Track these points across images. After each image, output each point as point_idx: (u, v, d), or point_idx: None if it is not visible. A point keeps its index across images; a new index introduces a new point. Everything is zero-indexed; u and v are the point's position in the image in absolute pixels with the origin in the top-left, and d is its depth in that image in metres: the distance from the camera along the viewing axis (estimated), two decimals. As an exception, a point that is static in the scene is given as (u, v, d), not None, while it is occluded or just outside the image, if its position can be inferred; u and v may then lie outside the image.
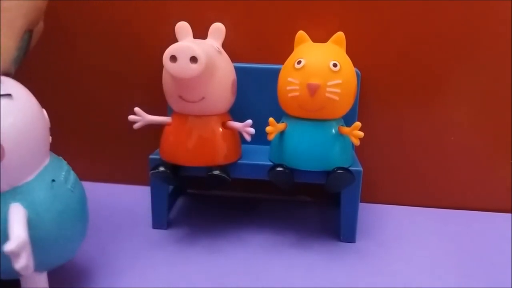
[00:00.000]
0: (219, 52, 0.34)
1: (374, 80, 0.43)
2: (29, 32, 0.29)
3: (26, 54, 0.29)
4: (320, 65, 0.33)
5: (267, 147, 0.38)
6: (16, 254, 0.22)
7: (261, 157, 0.38)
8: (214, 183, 0.35)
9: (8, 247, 0.21)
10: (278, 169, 0.34)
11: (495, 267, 0.34)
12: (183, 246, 0.36)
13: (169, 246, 0.36)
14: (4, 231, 0.23)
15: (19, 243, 0.22)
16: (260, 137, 0.35)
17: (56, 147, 0.49)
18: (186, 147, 0.35)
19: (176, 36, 0.35)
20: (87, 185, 0.30)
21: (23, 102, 0.25)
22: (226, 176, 0.34)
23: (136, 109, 0.35)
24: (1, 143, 0.23)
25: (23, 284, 0.26)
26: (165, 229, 0.39)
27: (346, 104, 0.35)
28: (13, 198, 0.24)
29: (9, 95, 0.24)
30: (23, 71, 0.47)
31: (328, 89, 0.33)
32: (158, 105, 0.41)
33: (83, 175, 0.29)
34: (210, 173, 0.34)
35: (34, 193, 0.25)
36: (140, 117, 0.35)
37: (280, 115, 0.36)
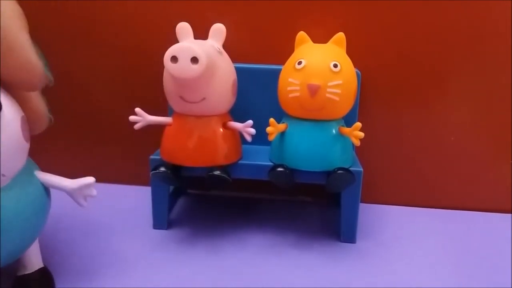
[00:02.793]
0: (220, 52, 0.34)
1: (374, 80, 0.43)
2: None
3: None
4: (320, 66, 0.33)
5: (268, 147, 0.39)
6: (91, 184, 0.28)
7: (261, 158, 0.38)
8: (214, 183, 0.35)
9: (90, 179, 0.28)
10: (279, 169, 0.34)
11: (495, 267, 0.34)
12: (184, 246, 0.36)
13: (170, 246, 0.36)
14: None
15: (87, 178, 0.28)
16: (260, 137, 0.35)
17: (57, 147, 0.49)
18: (186, 148, 0.35)
19: (177, 36, 0.35)
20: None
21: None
22: (226, 177, 0.34)
23: (137, 109, 0.35)
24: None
25: None
26: (166, 229, 0.39)
27: (346, 105, 0.35)
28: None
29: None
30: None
31: (328, 89, 0.33)
32: (159, 105, 0.41)
33: (84, 175, 0.29)
34: (210, 173, 0.34)
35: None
36: (141, 117, 0.35)
37: (280, 116, 0.37)
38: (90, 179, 0.28)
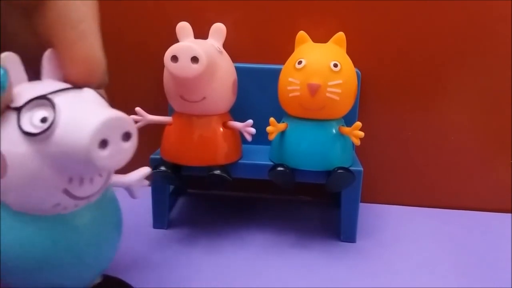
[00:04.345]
0: (220, 52, 0.34)
1: (374, 80, 0.43)
2: None
3: None
4: (320, 65, 0.33)
5: (268, 147, 0.39)
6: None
7: (261, 157, 0.38)
8: (215, 182, 0.35)
9: (147, 169, 0.28)
10: (279, 169, 0.34)
11: (495, 267, 0.34)
12: (184, 245, 0.36)
13: (170, 246, 0.36)
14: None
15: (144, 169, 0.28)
16: (260, 137, 0.35)
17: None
18: (187, 147, 0.35)
19: (177, 36, 0.35)
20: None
21: None
22: (227, 176, 0.34)
23: (137, 109, 0.35)
24: None
25: None
26: (166, 228, 0.39)
27: (346, 104, 0.35)
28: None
29: None
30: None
31: (328, 89, 0.33)
32: (159, 105, 0.41)
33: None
34: (211, 172, 0.34)
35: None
36: (141, 117, 0.35)
37: (280, 115, 0.37)
38: (148, 169, 0.28)
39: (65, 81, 0.22)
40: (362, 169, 0.36)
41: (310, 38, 0.37)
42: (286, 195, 0.47)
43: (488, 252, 0.37)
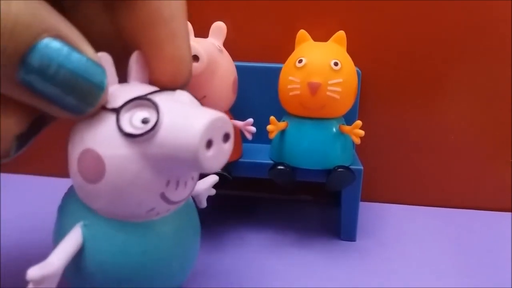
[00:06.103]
0: (220, 51, 0.34)
1: (374, 79, 0.43)
2: None
3: None
4: (321, 64, 0.33)
5: (268, 145, 0.39)
6: None
7: (262, 156, 0.38)
8: (215, 181, 0.35)
9: (216, 177, 0.27)
10: (279, 167, 0.34)
11: (495, 267, 0.34)
12: (184, 244, 0.36)
13: (170, 244, 0.36)
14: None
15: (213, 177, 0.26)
16: (261, 135, 0.35)
17: (58, 148, 0.49)
18: (187, 146, 0.35)
19: (178, 35, 0.35)
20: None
21: None
22: (227, 175, 0.34)
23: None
24: None
25: None
26: (166, 227, 0.39)
27: (347, 103, 0.35)
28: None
29: None
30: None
31: (329, 87, 0.33)
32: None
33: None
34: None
35: None
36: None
37: (281, 114, 0.37)
38: (215, 177, 0.27)
39: (151, 81, 0.21)
40: (362, 168, 0.36)
41: (311, 37, 0.37)
42: (286, 194, 0.47)
43: (488, 251, 0.37)
